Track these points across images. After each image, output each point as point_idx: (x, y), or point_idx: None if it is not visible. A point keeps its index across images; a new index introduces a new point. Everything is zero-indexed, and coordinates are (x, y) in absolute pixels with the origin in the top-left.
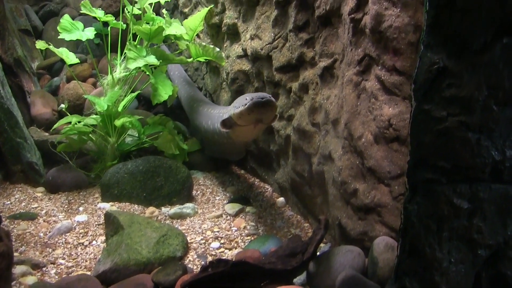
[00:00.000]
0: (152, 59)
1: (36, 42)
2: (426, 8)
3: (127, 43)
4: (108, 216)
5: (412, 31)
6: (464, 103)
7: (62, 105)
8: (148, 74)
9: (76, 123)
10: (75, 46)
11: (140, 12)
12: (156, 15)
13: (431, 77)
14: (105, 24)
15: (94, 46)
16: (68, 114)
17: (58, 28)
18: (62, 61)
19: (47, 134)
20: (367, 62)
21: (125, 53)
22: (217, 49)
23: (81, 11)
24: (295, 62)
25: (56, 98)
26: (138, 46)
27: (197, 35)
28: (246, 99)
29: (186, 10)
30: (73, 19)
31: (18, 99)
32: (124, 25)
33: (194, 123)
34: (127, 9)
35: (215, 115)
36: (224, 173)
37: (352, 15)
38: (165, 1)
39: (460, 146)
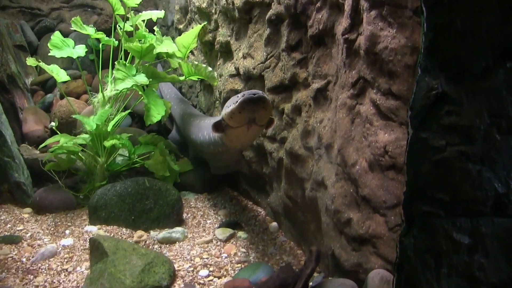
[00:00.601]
0: (142, 79)
1: (27, 59)
2: (423, 29)
3: (116, 62)
4: (93, 242)
5: (409, 53)
6: (464, 132)
7: (53, 123)
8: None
9: (65, 143)
10: (70, 62)
11: (133, 29)
12: (150, 31)
13: (429, 103)
14: (98, 40)
15: (89, 62)
16: (58, 132)
17: (48, 45)
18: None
19: (37, 152)
20: (362, 85)
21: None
22: (210, 69)
23: (72, 28)
24: (288, 83)
25: (49, 115)
26: (127, 64)
27: (191, 52)
28: (238, 97)
29: (180, 26)
30: (68, 34)
31: (9, 115)
32: (116, 42)
33: (190, 137)
34: (119, 25)
35: (208, 125)
36: (217, 195)
37: (346, 36)
38: (158, 18)
39: (460, 177)
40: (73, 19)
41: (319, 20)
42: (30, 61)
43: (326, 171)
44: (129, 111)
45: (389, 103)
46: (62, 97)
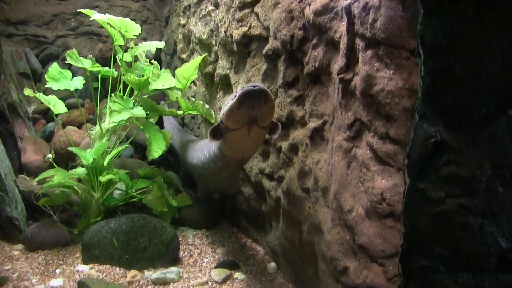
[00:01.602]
0: (139, 111)
1: (25, 89)
2: (421, 73)
3: (113, 94)
4: (81, 285)
5: (406, 95)
6: (464, 184)
7: (50, 155)
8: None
9: (59, 179)
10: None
11: (132, 59)
12: (156, 59)
13: (427, 152)
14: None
15: (93, 90)
16: (55, 165)
17: (45, 77)
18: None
19: (35, 183)
20: (358, 127)
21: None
22: (207, 106)
23: (66, 62)
24: (285, 120)
25: (49, 144)
26: (125, 97)
27: (193, 82)
28: (235, 92)
29: (183, 56)
30: None
31: (8, 145)
32: (116, 73)
33: (191, 163)
34: (118, 56)
35: (206, 144)
36: (216, 231)
37: (341, 75)
38: (157, 48)
39: (460, 231)
40: (68, 52)
41: (315, 58)
42: (28, 92)
43: (322, 215)
44: (126, 145)
45: (386, 148)
46: (64, 126)
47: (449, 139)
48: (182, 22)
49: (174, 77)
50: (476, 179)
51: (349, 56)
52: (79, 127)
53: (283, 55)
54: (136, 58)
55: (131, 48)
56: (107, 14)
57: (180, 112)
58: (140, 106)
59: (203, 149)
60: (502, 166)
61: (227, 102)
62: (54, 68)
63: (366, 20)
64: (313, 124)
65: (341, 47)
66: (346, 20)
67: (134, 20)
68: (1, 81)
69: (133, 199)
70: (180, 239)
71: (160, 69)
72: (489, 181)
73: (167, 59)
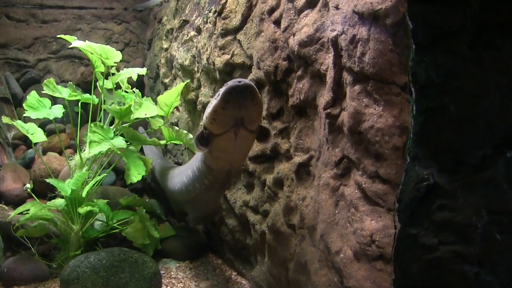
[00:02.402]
0: (119, 142)
1: (2, 117)
2: (412, 112)
3: (92, 124)
4: None
5: (397, 133)
6: (459, 230)
7: (28, 185)
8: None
9: (35, 212)
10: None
11: (113, 86)
12: (139, 82)
13: (419, 196)
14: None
15: (75, 115)
16: (33, 195)
17: (24, 105)
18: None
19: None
20: (346, 165)
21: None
22: (190, 136)
23: (43, 91)
24: (270, 153)
25: (29, 172)
26: (105, 127)
27: (176, 108)
28: (219, 91)
29: (166, 80)
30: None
31: None
32: (97, 100)
33: (174, 190)
34: (99, 83)
35: (188, 165)
36: (200, 263)
37: (328, 110)
38: (139, 75)
39: (454, 280)
40: (45, 81)
41: (300, 90)
42: (6, 119)
43: (309, 254)
44: (105, 175)
45: (376, 187)
46: (45, 152)
47: (442, 183)
48: (165, 46)
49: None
50: (472, 226)
51: (336, 90)
52: (60, 153)
53: (267, 86)
54: (117, 85)
55: (112, 74)
56: (87, 41)
57: (162, 142)
58: (121, 135)
59: (185, 171)
60: (499, 212)
61: (210, 103)
62: (32, 96)
63: (354, 53)
64: (298, 158)
65: (327, 81)
66: (333, 53)
67: (116, 42)
68: None
69: (114, 231)
70: (162, 272)
71: (143, 93)
72: (486, 227)
73: (150, 83)
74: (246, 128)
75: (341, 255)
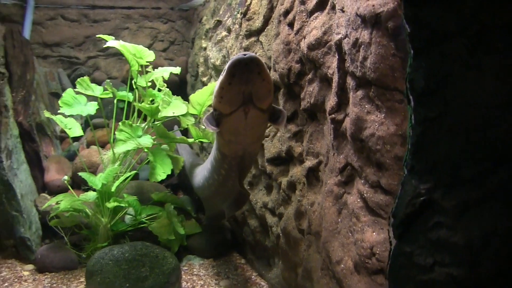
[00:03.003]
0: (145, 141)
1: (44, 111)
2: (410, 122)
3: (120, 123)
4: None
5: (399, 143)
6: (455, 251)
7: (66, 177)
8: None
9: (66, 205)
10: (104, 105)
11: (146, 84)
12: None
13: (415, 211)
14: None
15: (119, 111)
16: (69, 187)
17: (59, 102)
18: (86, 124)
19: (53, 203)
20: (350, 172)
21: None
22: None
23: (76, 89)
24: (285, 155)
25: (72, 164)
26: (134, 125)
27: (210, 106)
28: (226, 65)
29: (204, 79)
30: (101, 82)
31: (33, 164)
32: (132, 97)
33: (198, 187)
34: (134, 82)
35: (208, 159)
36: (223, 262)
37: (333, 115)
38: (172, 73)
39: None
40: (78, 79)
41: (310, 93)
42: (47, 114)
43: (314, 261)
44: (135, 172)
45: (377, 198)
46: (88, 146)
47: (440, 199)
48: (204, 45)
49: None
50: (469, 247)
51: (341, 95)
52: (103, 146)
53: (282, 88)
54: (153, 83)
55: (146, 73)
56: (121, 41)
57: (190, 140)
58: (148, 135)
59: (206, 166)
60: (500, 234)
61: (217, 82)
62: (68, 93)
63: (356, 57)
64: (309, 163)
65: (333, 85)
66: (337, 57)
67: (162, 41)
68: (32, 102)
69: (143, 225)
70: (185, 268)
71: (185, 90)
72: (483, 249)
73: (191, 81)
74: (256, 106)
75: (342, 265)
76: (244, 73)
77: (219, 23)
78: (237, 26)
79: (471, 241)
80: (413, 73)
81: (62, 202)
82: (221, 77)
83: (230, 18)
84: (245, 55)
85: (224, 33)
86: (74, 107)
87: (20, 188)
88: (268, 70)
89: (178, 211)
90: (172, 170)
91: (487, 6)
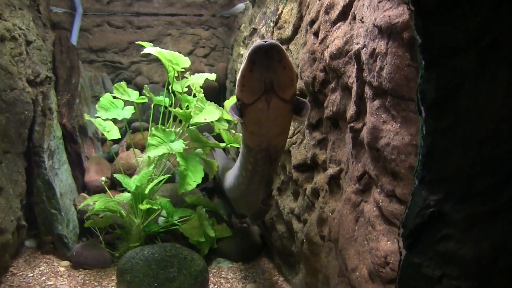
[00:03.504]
0: (177, 146)
1: (85, 114)
2: (421, 133)
3: (153, 128)
4: None
5: (414, 153)
6: (464, 264)
7: (103, 178)
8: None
9: (100, 206)
10: (142, 112)
11: (182, 90)
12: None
13: (424, 222)
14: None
15: (158, 115)
16: (106, 188)
17: (96, 106)
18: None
19: (91, 203)
20: (367, 181)
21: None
22: None
23: (113, 94)
24: (310, 163)
25: (111, 165)
26: (167, 130)
27: None
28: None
29: None
30: (142, 86)
31: (74, 165)
32: (168, 102)
33: (230, 189)
34: (171, 87)
35: (238, 159)
36: (251, 265)
37: (352, 124)
38: (211, 80)
39: None
40: (115, 85)
41: (333, 102)
42: (87, 117)
43: (332, 268)
44: (168, 176)
45: (392, 207)
46: (128, 148)
47: (449, 211)
48: (241, 52)
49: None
50: (477, 261)
51: (359, 104)
52: (142, 150)
53: (307, 96)
54: (189, 90)
55: (182, 79)
56: (157, 47)
57: (222, 144)
58: (181, 140)
59: (235, 165)
60: (510, 250)
61: (239, 71)
62: (105, 98)
63: (373, 67)
64: (331, 170)
65: (352, 94)
66: (356, 66)
67: (203, 47)
68: (76, 105)
69: (175, 227)
70: (214, 270)
71: (224, 96)
72: (492, 263)
73: (230, 86)
74: (278, 95)
75: (357, 273)
76: (265, 60)
77: (254, 31)
78: (270, 34)
79: (480, 254)
80: (424, 84)
81: (97, 203)
82: (242, 65)
83: (264, 27)
84: (265, 41)
85: (259, 40)
86: (111, 111)
87: (60, 187)
88: (290, 59)
89: (210, 214)
90: (207, 175)
91: (498, 19)
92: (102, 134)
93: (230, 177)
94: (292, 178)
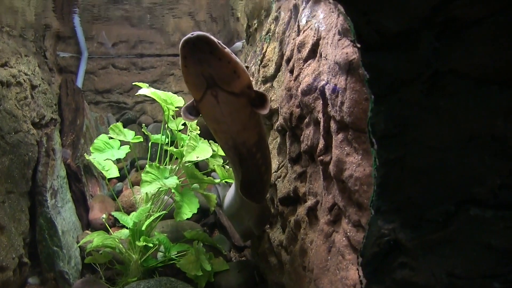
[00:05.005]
0: (171, 182)
1: (84, 154)
2: (375, 164)
3: (147, 165)
4: None
5: None
6: None
7: (104, 216)
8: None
9: (98, 242)
10: (146, 150)
11: (176, 128)
12: None
13: (381, 251)
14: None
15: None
16: (106, 225)
17: (91, 148)
18: (131, 166)
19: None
20: (337, 211)
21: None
22: None
23: (109, 135)
24: (293, 196)
25: (115, 203)
26: (161, 167)
27: None
28: None
29: None
30: (148, 125)
31: (79, 203)
32: (165, 140)
33: (227, 206)
34: (168, 126)
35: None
36: None
37: (321, 157)
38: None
39: None
40: (111, 125)
41: (307, 136)
42: (87, 157)
43: None
44: (165, 212)
45: (359, 237)
46: (132, 186)
47: (404, 239)
48: None
49: None
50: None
51: (326, 138)
52: None
53: (287, 131)
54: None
55: (178, 117)
56: (151, 88)
57: (217, 180)
58: (175, 176)
59: (233, 189)
60: (460, 276)
61: None
62: (100, 139)
63: (335, 102)
64: (309, 202)
65: (320, 128)
66: (322, 101)
67: None
68: (80, 145)
69: (173, 261)
70: None
71: None
72: None
73: None
74: (223, 89)
75: None
76: (195, 54)
77: (246, 68)
78: (257, 73)
79: (430, 281)
80: (374, 117)
81: (95, 239)
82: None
83: (254, 65)
84: (193, 34)
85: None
86: (105, 152)
87: (62, 225)
88: (226, 50)
89: (208, 248)
90: (208, 210)
91: (437, 52)
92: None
93: (227, 196)
94: (278, 211)
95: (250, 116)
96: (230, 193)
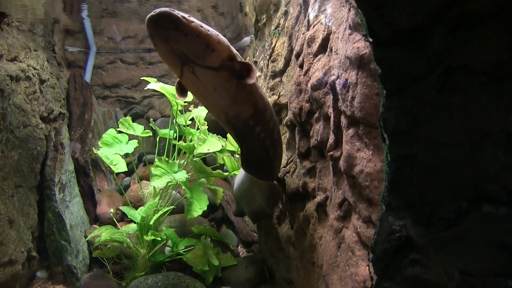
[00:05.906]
0: (180, 176)
1: (93, 148)
2: (386, 159)
3: (157, 159)
4: None
5: None
6: None
7: (111, 210)
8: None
9: (106, 237)
10: (153, 145)
11: (185, 123)
12: None
13: (391, 248)
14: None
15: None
16: (114, 219)
17: (99, 143)
18: (138, 160)
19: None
20: (347, 207)
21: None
22: None
23: (118, 128)
24: (302, 191)
25: (122, 198)
26: (170, 161)
27: None
28: None
29: None
30: (156, 120)
31: (87, 197)
32: (173, 135)
33: (239, 189)
34: (176, 121)
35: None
36: None
37: (331, 152)
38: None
39: None
40: (121, 120)
41: (317, 131)
42: (95, 151)
43: None
44: (173, 207)
45: (369, 233)
46: (140, 180)
47: (415, 236)
48: None
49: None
50: (442, 286)
51: (337, 133)
52: None
53: (296, 126)
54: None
55: (186, 112)
56: (159, 83)
57: (225, 174)
58: (184, 171)
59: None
60: (472, 274)
61: None
62: (108, 134)
63: (346, 97)
64: (319, 198)
65: (331, 123)
66: (332, 96)
67: None
68: (89, 139)
69: (180, 256)
70: None
71: None
72: None
73: None
74: (199, 64)
75: None
76: (159, 32)
77: (255, 63)
78: (266, 68)
79: (442, 279)
80: (386, 113)
81: (103, 234)
82: None
83: (263, 60)
84: (155, 11)
85: (258, 73)
86: (114, 147)
87: (70, 219)
88: (193, 24)
89: (215, 243)
90: (216, 205)
91: (450, 48)
92: None
93: (237, 176)
94: (287, 207)
95: (238, 88)
96: (240, 173)
